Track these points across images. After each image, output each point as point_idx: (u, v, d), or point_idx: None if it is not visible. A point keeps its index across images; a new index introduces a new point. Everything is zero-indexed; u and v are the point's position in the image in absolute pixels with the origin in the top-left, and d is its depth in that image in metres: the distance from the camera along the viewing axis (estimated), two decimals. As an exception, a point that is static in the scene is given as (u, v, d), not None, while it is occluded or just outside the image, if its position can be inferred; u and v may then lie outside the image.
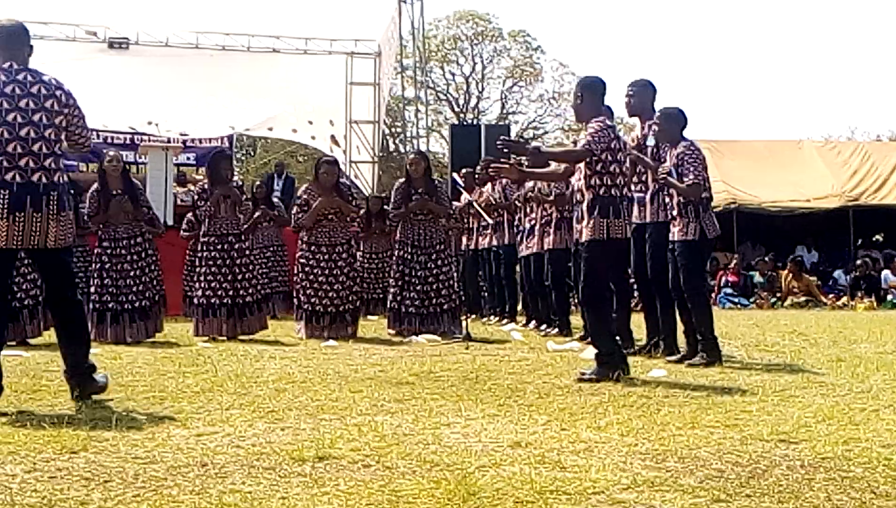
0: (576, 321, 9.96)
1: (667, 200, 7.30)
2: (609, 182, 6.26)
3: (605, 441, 4.06)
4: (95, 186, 9.43)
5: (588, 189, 6.31)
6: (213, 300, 9.37)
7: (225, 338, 9.22)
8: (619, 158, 6.29)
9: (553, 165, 7.37)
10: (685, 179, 7.03)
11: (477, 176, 12.55)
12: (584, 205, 6.32)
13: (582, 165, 6.36)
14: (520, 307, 12.39)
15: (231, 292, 9.37)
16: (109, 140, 19.40)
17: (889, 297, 18.84)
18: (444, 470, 3.53)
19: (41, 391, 5.42)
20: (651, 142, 7.37)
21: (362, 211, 13.19)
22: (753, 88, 64.86)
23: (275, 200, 14.19)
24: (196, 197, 9.78)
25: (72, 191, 12.67)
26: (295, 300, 9.96)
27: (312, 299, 9.55)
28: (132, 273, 9.24)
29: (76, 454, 3.81)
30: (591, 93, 6.50)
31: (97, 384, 5.26)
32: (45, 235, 5.09)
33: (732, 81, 65.10)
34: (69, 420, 4.53)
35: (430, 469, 3.57)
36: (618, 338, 6.80)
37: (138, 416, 4.72)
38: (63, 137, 5.23)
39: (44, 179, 5.09)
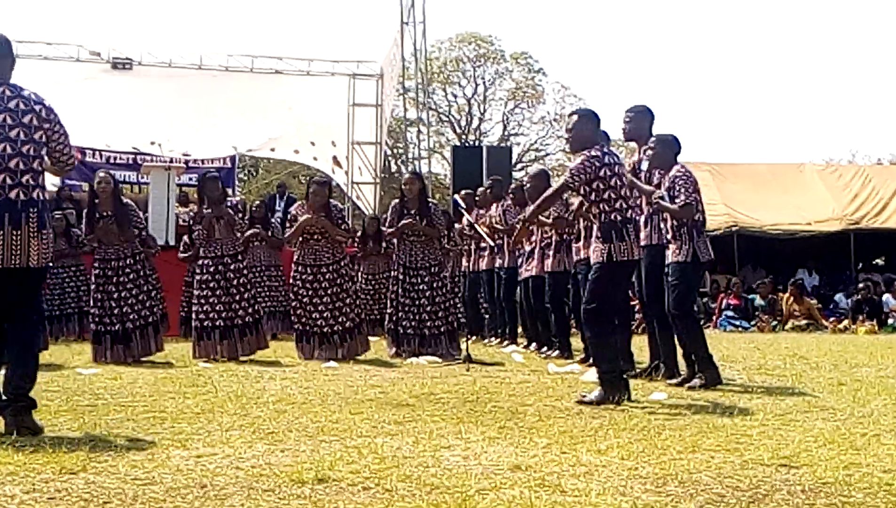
0: (576, 343, 9.95)
1: (662, 224, 7.34)
2: (607, 208, 6.32)
3: (605, 465, 4.06)
4: (87, 208, 9.44)
5: (594, 218, 6.44)
6: (206, 323, 9.37)
7: (225, 359, 9.20)
8: (613, 183, 6.31)
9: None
10: (676, 200, 7.10)
11: (477, 198, 12.56)
12: (591, 230, 6.46)
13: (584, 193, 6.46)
14: (520, 330, 12.37)
15: (227, 314, 9.37)
16: (112, 160, 19.49)
17: (890, 321, 18.78)
18: (444, 493, 3.52)
19: (41, 412, 5.38)
20: (644, 166, 7.43)
21: (358, 233, 13.19)
22: (755, 112, 64.99)
23: (273, 221, 14.16)
24: (191, 221, 9.77)
25: (56, 212, 12.64)
26: (293, 318, 9.98)
27: (303, 319, 9.58)
28: (115, 295, 9.19)
29: (75, 474, 3.80)
30: (581, 124, 6.53)
31: (32, 423, 4.81)
32: (26, 254, 4.91)
33: (734, 105, 65.25)
34: (69, 441, 4.53)
35: (429, 491, 3.56)
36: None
37: (138, 437, 4.71)
38: (43, 153, 5.03)
39: (21, 196, 4.92)
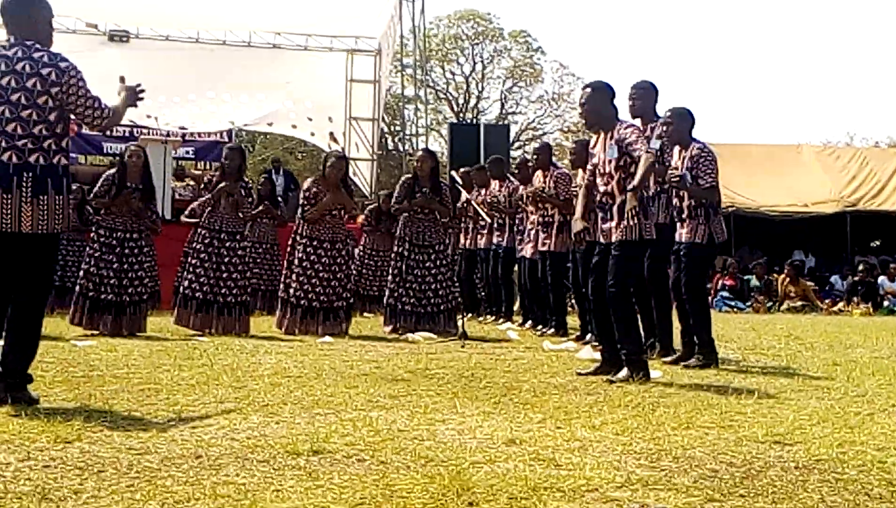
0: (572, 321, 9.97)
1: (674, 201, 7.28)
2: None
3: (599, 440, 4.06)
4: (112, 172, 9.41)
5: (622, 192, 6.18)
6: (187, 292, 9.40)
7: (200, 332, 9.18)
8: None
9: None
10: (701, 182, 7.01)
11: (475, 174, 12.54)
12: (616, 207, 6.21)
13: (612, 168, 6.25)
14: (517, 307, 12.38)
15: (207, 288, 9.36)
16: (109, 133, 19.40)
17: (886, 303, 18.86)
18: (438, 466, 3.53)
19: (37, 382, 5.37)
20: (656, 144, 7.31)
21: (371, 206, 13.18)
22: (753, 93, 64.91)
23: (278, 199, 14.13)
24: (203, 186, 9.78)
25: (73, 185, 12.66)
26: (281, 295, 9.89)
27: (310, 295, 9.53)
28: (115, 266, 9.17)
29: (70, 444, 3.81)
30: (597, 99, 6.34)
31: (27, 395, 4.75)
32: (17, 219, 4.76)
33: (732, 85, 65.14)
34: (64, 411, 4.53)
35: (424, 464, 3.56)
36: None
37: (133, 408, 4.72)
38: (52, 117, 4.84)
39: (14, 159, 4.77)
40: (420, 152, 10.99)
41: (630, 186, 6.05)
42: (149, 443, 3.84)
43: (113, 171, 9.45)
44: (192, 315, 9.36)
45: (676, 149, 7.25)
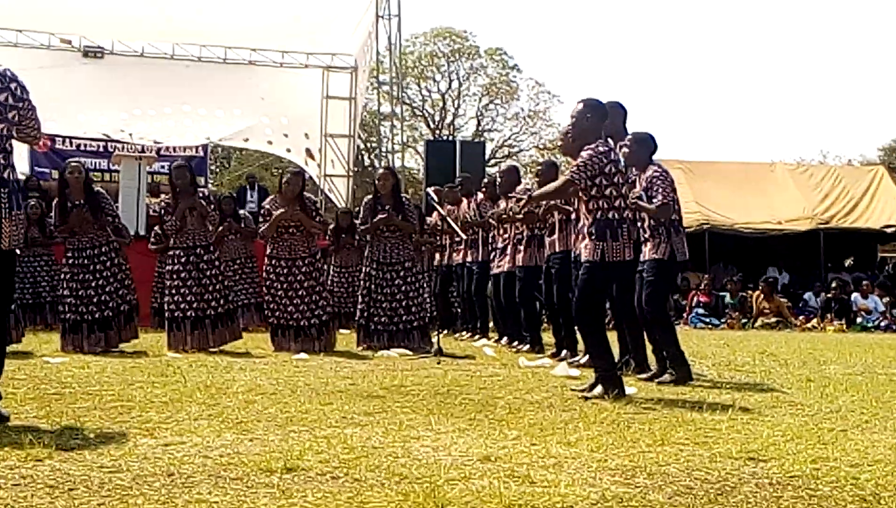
0: (547, 337, 9.97)
1: (638, 222, 7.33)
2: (606, 205, 6.18)
3: (574, 457, 4.06)
4: (57, 199, 9.35)
5: (588, 213, 6.25)
6: (177, 314, 9.32)
7: (195, 350, 9.14)
8: (616, 180, 6.21)
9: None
10: (654, 201, 7.10)
11: (451, 192, 12.56)
12: (585, 228, 6.29)
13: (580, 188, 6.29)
14: (492, 324, 12.37)
15: (198, 305, 9.32)
16: (83, 147, 19.34)
17: (858, 320, 18.99)
18: (412, 483, 3.51)
19: (7, 399, 5.33)
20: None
21: (331, 226, 13.15)
22: (727, 110, 65.42)
23: (242, 212, 14.05)
24: (162, 211, 9.69)
25: (31, 199, 12.52)
26: (266, 312, 9.93)
27: (276, 313, 9.53)
28: (93, 283, 9.13)
29: (41, 461, 3.76)
30: (594, 115, 6.34)
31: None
32: None
33: (707, 103, 65.61)
34: (35, 429, 4.48)
35: (398, 481, 3.54)
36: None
37: (105, 425, 4.67)
38: (13, 132, 4.84)
39: None
40: (380, 171, 10.94)
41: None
42: (121, 461, 3.80)
43: (57, 198, 9.37)
44: (188, 336, 9.29)
45: (638, 173, 7.33)
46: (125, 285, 9.43)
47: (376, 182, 10.19)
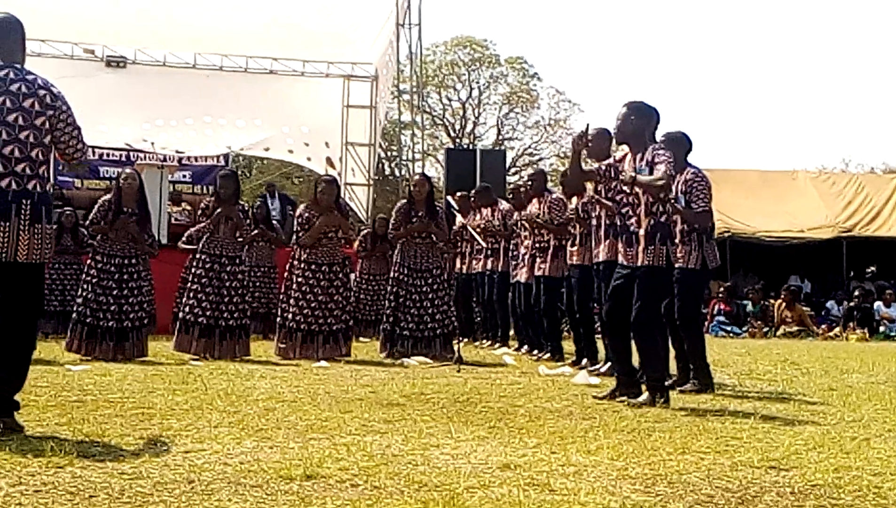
0: (568, 346, 9.96)
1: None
2: (666, 209, 6.19)
3: (594, 465, 4.04)
4: (109, 197, 9.39)
5: (647, 215, 6.14)
6: (188, 317, 9.35)
7: (198, 357, 9.15)
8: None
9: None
10: (694, 206, 7.00)
11: (472, 199, 12.56)
12: (642, 231, 6.15)
13: (641, 191, 6.19)
14: (512, 332, 12.36)
15: (212, 313, 9.33)
16: (105, 157, 19.48)
17: (881, 328, 18.86)
18: (432, 491, 3.51)
19: (29, 406, 5.36)
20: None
21: (364, 231, 13.20)
22: (749, 118, 65.11)
23: (274, 222, 14.14)
24: (199, 212, 9.80)
25: (67, 208, 12.63)
26: (279, 320, 9.89)
27: (309, 319, 9.50)
28: (115, 292, 9.15)
29: (62, 468, 3.78)
30: (638, 117, 6.31)
31: (14, 422, 4.63)
32: (13, 247, 4.64)
33: (728, 111, 65.37)
34: (56, 436, 4.50)
35: (418, 489, 3.54)
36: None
37: (126, 432, 4.68)
38: (47, 141, 4.75)
39: (13, 186, 4.65)
40: (416, 177, 10.97)
41: (632, 176, 6.08)
42: (141, 468, 3.81)
43: (109, 196, 9.44)
44: (194, 340, 9.32)
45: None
46: (147, 299, 9.47)
47: (412, 188, 10.21)
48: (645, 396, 6.14)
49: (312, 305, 9.51)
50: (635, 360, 6.43)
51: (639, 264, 6.18)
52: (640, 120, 6.30)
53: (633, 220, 6.25)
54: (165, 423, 5.00)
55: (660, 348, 6.35)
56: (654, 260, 6.12)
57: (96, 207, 9.39)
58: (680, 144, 7.17)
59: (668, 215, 6.19)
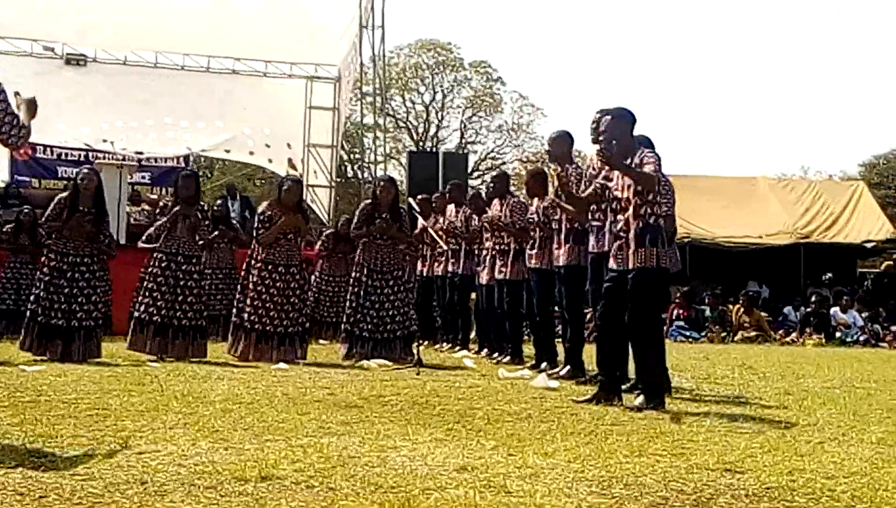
0: (528, 349, 9.97)
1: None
2: (658, 211, 6.20)
3: (551, 467, 4.04)
4: (64, 195, 9.26)
5: (636, 218, 6.18)
6: (143, 316, 9.26)
7: (157, 357, 9.08)
8: (662, 190, 6.24)
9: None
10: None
11: (434, 203, 12.56)
12: (631, 234, 6.18)
13: (630, 194, 6.23)
14: (473, 335, 12.37)
15: (165, 312, 9.25)
16: (64, 157, 19.27)
17: (837, 334, 19.06)
18: (387, 492, 3.49)
19: (-19, 407, 5.31)
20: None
21: (329, 232, 13.17)
22: (709, 125, 65.70)
23: (234, 222, 14.05)
24: (158, 211, 9.72)
25: (25, 207, 12.46)
26: (234, 319, 9.84)
27: (263, 319, 9.46)
28: (66, 291, 9.02)
29: (12, 469, 3.72)
30: (624, 122, 6.40)
31: None
32: None
33: (689, 117, 65.90)
34: (8, 436, 4.44)
35: (373, 490, 3.52)
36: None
37: (79, 433, 4.62)
38: None
39: None
40: (382, 181, 10.89)
41: (619, 162, 6.14)
42: (93, 469, 3.76)
43: (65, 194, 9.32)
44: (148, 340, 9.22)
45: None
46: (102, 300, 9.36)
47: (379, 191, 10.12)
48: (641, 399, 6.15)
49: (267, 305, 9.46)
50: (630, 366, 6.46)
51: (630, 266, 6.22)
52: (625, 126, 6.39)
53: (621, 224, 6.30)
54: (120, 424, 4.94)
55: (654, 350, 6.32)
56: (645, 262, 6.16)
57: (52, 204, 9.25)
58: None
59: (655, 218, 6.20)
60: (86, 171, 9.47)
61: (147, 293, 9.33)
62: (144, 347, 9.21)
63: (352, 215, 11.01)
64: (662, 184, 6.94)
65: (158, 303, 9.26)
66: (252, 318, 9.47)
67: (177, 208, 9.37)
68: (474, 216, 11.20)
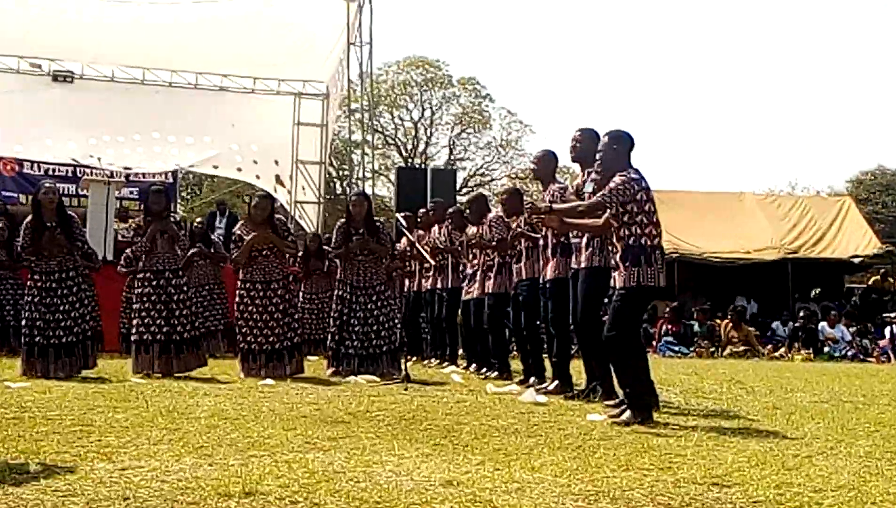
0: (515, 364, 9.94)
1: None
2: (637, 232, 6.24)
3: (538, 482, 4.02)
4: (29, 217, 9.24)
5: (618, 240, 6.30)
6: (146, 337, 9.24)
7: (160, 375, 9.06)
8: (647, 208, 6.24)
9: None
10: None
11: (420, 219, 12.56)
12: (618, 256, 6.30)
13: (608, 216, 6.32)
14: (461, 351, 12.34)
15: (166, 329, 9.25)
16: (51, 172, 19.18)
17: (825, 349, 19.08)
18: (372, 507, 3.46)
19: (-37, 423, 5.26)
20: (589, 188, 7.32)
21: (300, 253, 13.10)
22: (697, 140, 65.90)
23: (213, 237, 13.99)
24: (133, 233, 9.66)
25: (7, 223, 12.40)
26: (238, 337, 9.83)
27: (248, 338, 9.43)
28: (62, 307, 9.00)
29: (-6, 486, 3.68)
30: (620, 145, 6.47)
31: None
32: None
33: (677, 132, 66.11)
34: (-11, 452, 4.40)
35: (358, 506, 3.50)
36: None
37: (62, 450, 4.58)
38: None
39: None
40: (354, 196, 10.85)
41: (551, 206, 6.40)
42: (75, 485, 3.73)
43: (30, 218, 9.25)
44: (155, 359, 9.22)
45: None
46: (91, 312, 9.34)
47: (350, 207, 10.10)
48: (628, 414, 6.15)
49: (250, 323, 9.43)
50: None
51: (618, 285, 6.33)
52: (621, 147, 6.47)
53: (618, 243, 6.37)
54: (104, 440, 4.90)
55: (635, 365, 6.34)
56: (626, 282, 6.24)
57: (21, 231, 9.21)
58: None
59: (635, 238, 6.25)
60: (47, 185, 9.44)
61: (143, 314, 9.29)
62: (152, 367, 9.20)
63: (325, 233, 10.98)
64: (639, 202, 6.81)
65: (158, 322, 9.25)
66: (238, 337, 9.49)
67: (153, 225, 9.33)
68: (455, 232, 11.23)
